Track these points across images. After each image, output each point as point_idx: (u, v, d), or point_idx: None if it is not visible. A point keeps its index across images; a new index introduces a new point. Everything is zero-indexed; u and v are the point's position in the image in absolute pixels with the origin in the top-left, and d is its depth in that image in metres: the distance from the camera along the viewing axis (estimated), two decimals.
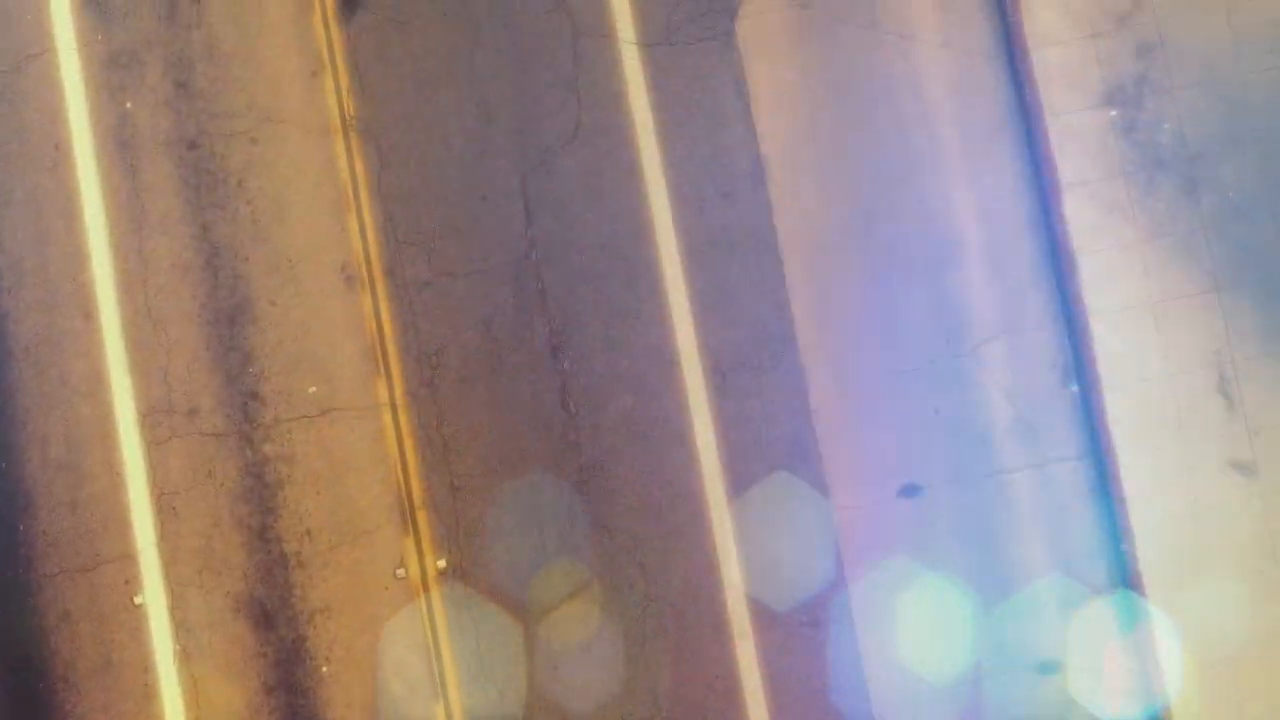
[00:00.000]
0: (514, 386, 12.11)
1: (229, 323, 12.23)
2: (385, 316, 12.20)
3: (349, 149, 12.37)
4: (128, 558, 12.04)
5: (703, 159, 12.29)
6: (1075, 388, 12.00)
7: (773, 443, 12.02)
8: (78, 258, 12.34)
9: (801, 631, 11.88)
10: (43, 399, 12.17)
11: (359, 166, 12.35)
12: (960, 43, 12.33)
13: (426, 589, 11.99)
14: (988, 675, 11.78)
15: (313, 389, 12.14)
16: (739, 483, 12.00)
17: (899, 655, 11.86)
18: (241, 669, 11.95)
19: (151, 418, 12.16)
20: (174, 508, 12.09)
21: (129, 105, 12.51)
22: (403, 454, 12.09)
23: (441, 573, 11.98)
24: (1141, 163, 12.02)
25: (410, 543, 12.02)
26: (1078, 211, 12.00)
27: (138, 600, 12.01)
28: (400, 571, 12.00)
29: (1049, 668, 11.77)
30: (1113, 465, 11.82)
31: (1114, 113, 12.09)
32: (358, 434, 12.12)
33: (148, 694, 11.94)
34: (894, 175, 12.20)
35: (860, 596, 11.89)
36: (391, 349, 12.17)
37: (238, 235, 12.32)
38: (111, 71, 12.55)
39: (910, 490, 11.95)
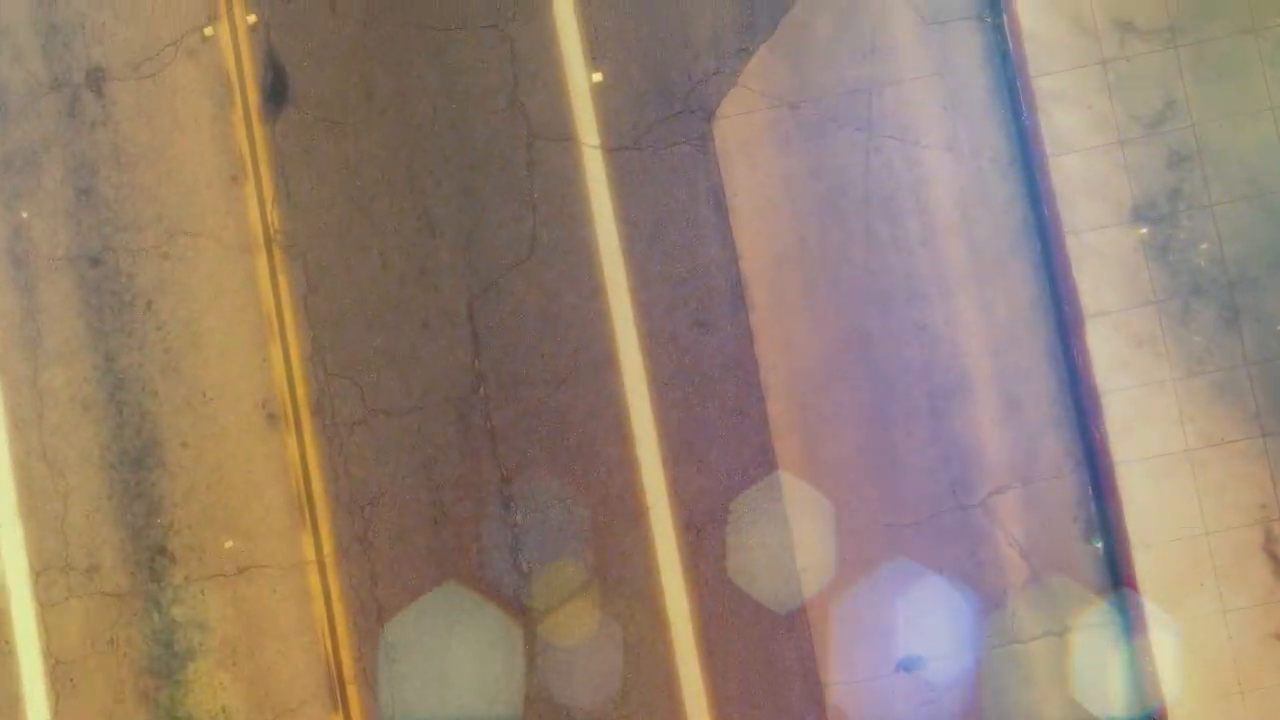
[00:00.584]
0: (459, 542, 10.61)
1: (135, 466, 10.73)
2: (312, 460, 10.70)
3: (272, 267, 10.87)
4: None
5: (675, 280, 10.79)
6: (1099, 544, 10.51)
7: (755, 608, 10.51)
8: None
9: None
10: None
11: (284, 287, 10.85)
12: (968, 148, 10.84)
13: None
14: None
15: (229, 544, 10.64)
16: (716, 655, 10.49)
17: None
18: None
19: (46, 575, 10.66)
20: (71, 679, 10.58)
21: (24, 215, 11.01)
22: (331, 619, 10.59)
23: None
24: (1175, 288, 10.53)
25: None
26: (1103, 344, 10.51)
27: None
28: None
29: None
30: (1142, 635, 10.33)
31: (1144, 230, 10.61)
32: (280, 596, 10.61)
33: None
34: (893, 299, 10.71)
35: None
36: (319, 498, 10.67)
37: (146, 365, 10.82)
38: (5, 176, 11.06)
39: (911, 662, 10.45)
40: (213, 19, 11.14)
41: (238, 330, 10.87)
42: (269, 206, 10.97)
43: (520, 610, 10.55)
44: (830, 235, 10.81)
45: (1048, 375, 10.66)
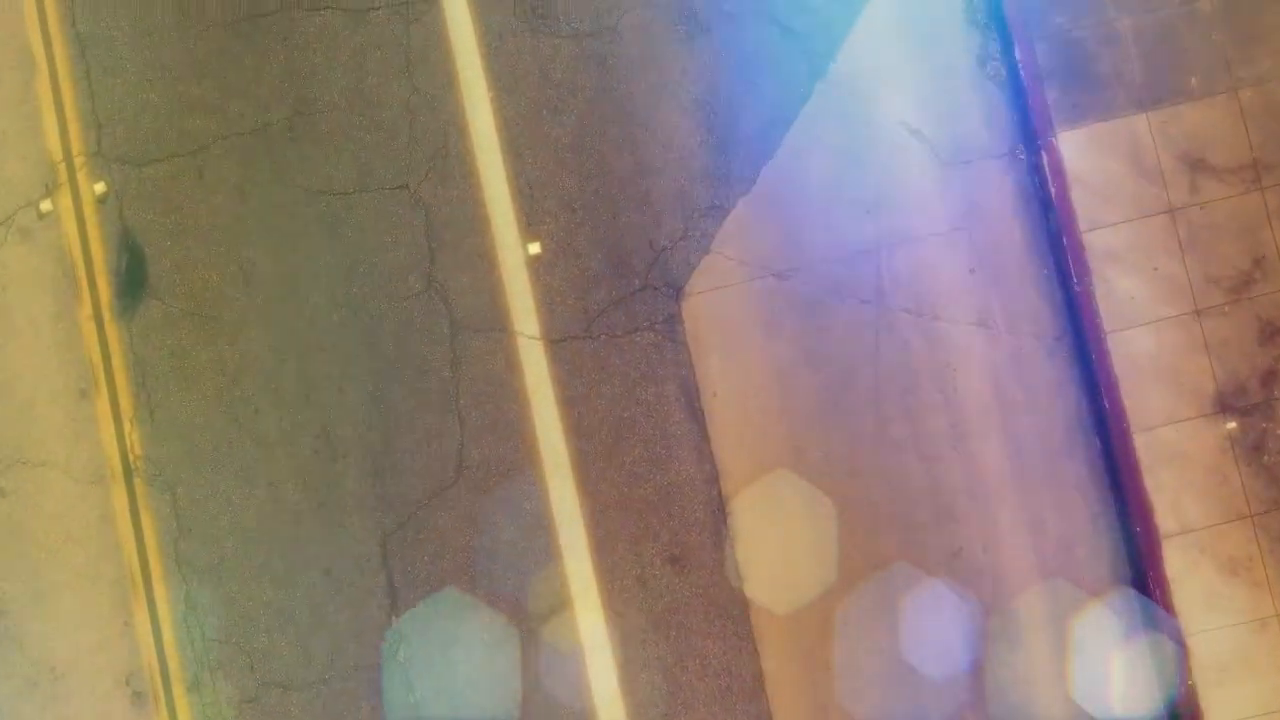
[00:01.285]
0: None
1: None
2: None
3: (134, 504, 8.90)
4: None
5: (640, 505, 8.69)
6: None
7: None
8: None
9: None
10: None
11: (148, 530, 8.87)
12: (1004, 322, 8.67)
13: None
14: None
15: None
16: None
17: None
18: None
19: None
20: None
21: None
22: None
23: None
24: (1275, 498, 8.37)
25: None
26: (1186, 572, 8.39)
27: None
28: None
29: None
30: None
31: (1232, 425, 8.46)
32: None
33: None
34: (917, 520, 8.57)
35: None
36: None
37: None
38: None
39: None
40: (51, 190, 8.99)
41: (92, 586, 8.79)
42: (127, 427, 8.84)
43: None
44: (833, 441, 8.62)
45: (1117, 613, 8.50)
